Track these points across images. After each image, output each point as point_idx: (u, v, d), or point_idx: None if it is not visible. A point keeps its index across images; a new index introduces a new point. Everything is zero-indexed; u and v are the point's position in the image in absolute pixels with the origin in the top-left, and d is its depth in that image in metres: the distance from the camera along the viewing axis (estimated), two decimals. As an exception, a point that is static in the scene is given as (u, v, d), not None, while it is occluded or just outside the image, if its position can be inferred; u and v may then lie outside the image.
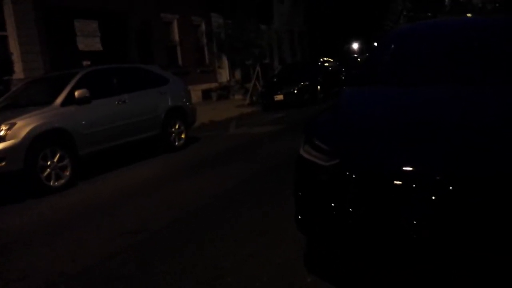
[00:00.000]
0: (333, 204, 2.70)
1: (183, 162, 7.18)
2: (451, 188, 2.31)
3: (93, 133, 6.69)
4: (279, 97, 13.92)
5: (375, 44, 4.35)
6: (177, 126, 8.27)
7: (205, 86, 17.65)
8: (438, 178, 2.35)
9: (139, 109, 7.44)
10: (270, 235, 3.62)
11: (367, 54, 5.39)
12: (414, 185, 2.39)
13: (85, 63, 12.37)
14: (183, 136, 8.41)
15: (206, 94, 17.55)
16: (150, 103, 7.70)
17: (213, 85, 18.30)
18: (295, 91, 13.88)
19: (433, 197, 2.34)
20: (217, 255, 3.40)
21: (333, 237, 2.77)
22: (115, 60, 11.49)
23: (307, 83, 14.04)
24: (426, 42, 4.02)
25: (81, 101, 6.58)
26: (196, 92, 16.77)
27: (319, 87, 14.22)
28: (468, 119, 2.73)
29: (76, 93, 6.54)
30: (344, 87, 3.78)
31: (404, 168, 2.47)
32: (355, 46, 33.96)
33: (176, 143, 8.24)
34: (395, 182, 2.44)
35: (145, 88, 7.73)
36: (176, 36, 17.12)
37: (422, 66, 3.79)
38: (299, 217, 3.01)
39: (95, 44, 13.43)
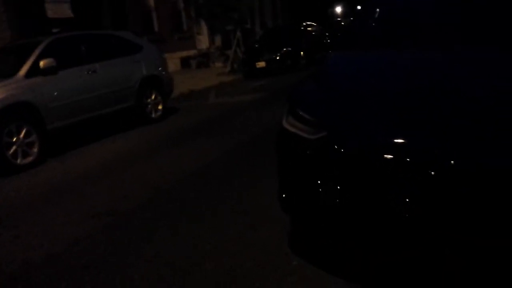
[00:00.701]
0: (319, 182, 2.42)
1: (160, 135, 6.80)
2: (452, 166, 2.02)
3: (61, 106, 6.24)
4: (261, 64, 13.45)
5: (361, 5, 3.97)
6: (153, 97, 7.84)
7: (183, 53, 17.02)
8: (436, 153, 2.05)
9: (111, 79, 6.98)
10: (253, 215, 3.33)
11: (352, 17, 5.00)
12: (408, 160, 2.10)
13: (55, 31, 11.68)
14: (160, 107, 7.99)
15: (185, 62, 16.94)
16: (123, 72, 7.23)
17: (192, 52, 17.66)
18: (277, 58, 13.42)
19: (431, 174, 2.05)
20: (195, 239, 3.10)
21: (319, 217, 2.49)
22: (87, 28, 10.86)
23: (290, 48, 13.56)
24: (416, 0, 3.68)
25: (47, 71, 6.10)
26: (174, 60, 16.18)
27: (302, 52, 13.76)
28: (470, 86, 2.41)
29: (41, 63, 6.05)
30: (330, 52, 3.42)
31: (397, 141, 2.17)
32: (339, 9, 33.25)
33: (153, 115, 7.83)
34: (387, 156, 2.15)
35: (117, 56, 7.24)
36: (152, 1, 16.33)
37: (413, 27, 3.43)
38: (283, 195, 2.72)
39: (65, 11, 12.68)
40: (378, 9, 3.76)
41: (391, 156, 2.17)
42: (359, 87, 2.67)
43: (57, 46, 6.51)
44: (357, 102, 2.53)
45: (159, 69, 8.04)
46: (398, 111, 2.33)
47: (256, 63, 13.51)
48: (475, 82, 2.44)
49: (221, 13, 14.44)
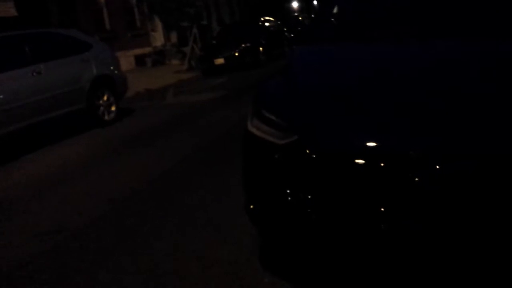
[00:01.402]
0: (290, 191, 2.17)
1: (113, 138, 6.36)
2: (437, 167, 1.81)
3: (3, 111, 5.71)
4: (220, 60, 13.11)
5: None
6: (105, 98, 7.36)
7: (138, 51, 16.42)
8: (418, 156, 1.84)
9: (58, 80, 6.46)
10: (218, 228, 3.03)
11: (308, 12, 4.76)
12: (387, 165, 1.88)
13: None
14: (113, 108, 7.52)
15: (140, 60, 16.35)
16: (71, 72, 6.72)
17: (147, 49, 17.07)
18: (236, 54, 13.11)
19: (412, 180, 1.83)
20: (154, 257, 2.78)
21: (291, 230, 2.25)
22: (34, 27, 10.20)
23: (249, 44, 13.27)
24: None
25: (-15, 74, 5.57)
26: (128, 58, 15.60)
27: (261, 48, 13.51)
28: (447, 80, 2.21)
29: (-22, 65, 5.51)
30: (294, 46, 3.15)
31: (375, 144, 1.95)
32: (295, 4, 33.24)
33: (106, 117, 7.36)
34: (363, 161, 1.92)
35: (64, 56, 6.72)
36: (102, -3, 15.63)
37: (383, 17, 3.22)
38: (251, 206, 2.45)
39: (9, 9, 11.87)
40: (339, 2, 3.54)
41: (369, 161, 1.93)
42: (330, 85, 2.42)
43: (-3, 46, 5.95)
44: (330, 102, 2.28)
45: (111, 68, 7.56)
46: (374, 110, 2.09)
47: (215, 60, 13.16)
48: (449, 75, 2.25)
49: (175, 9, 13.96)
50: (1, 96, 5.74)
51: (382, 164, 1.91)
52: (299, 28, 3.87)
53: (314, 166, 2.07)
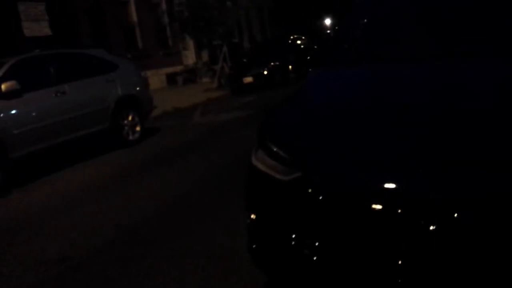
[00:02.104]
0: (293, 233, 1.96)
1: (135, 159, 6.30)
2: (456, 215, 1.56)
3: (26, 131, 5.75)
4: (248, 79, 13.03)
5: (346, 14, 3.51)
6: (130, 118, 7.34)
7: (169, 69, 16.59)
8: (439, 204, 1.60)
9: (82, 101, 6.49)
10: (225, 262, 2.84)
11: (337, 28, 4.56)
12: (402, 210, 1.64)
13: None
14: (138, 128, 7.49)
15: (171, 78, 16.51)
16: (96, 92, 6.75)
17: (179, 68, 17.23)
18: (265, 72, 13.00)
19: (431, 228, 1.59)
20: (154, 295, 2.60)
21: (294, 275, 2.03)
22: (66, 46, 10.42)
23: (278, 63, 13.14)
24: (406, 8, 3.23)
25: (9, 95, 5.62)
26: (160, 77, 15.78)
27: (290, 66, 13.34)
28: (475, 113, 1.95)
29: (3, 87, 5.56)
30: (310, 69, 2.96)
31: (388, 187, 1.71)
32: (328, 22, 33.06)
33: (130, 137, 7.33)
34: (376, 206, 1.69)
35: (88, 76, 6.76)
36: (134, 16, 15.90)
37: (405, 39, 2.98)
38: (253, 246, 2.25)
39: (43, 29, 12.24)
40: (361, 20, 3.32)
41: (382, 207, 1.71)
42: (344, 116, 2.19)
43: (22, 67, 6.01)
44: (340, 135, 2.05)
45: (137, 88, 7.56)
46: (392, 148, 1.85)
47: (244, 79, 13.08)
48: (481, 108, 1.99)
49: (205, 27, 14.03)
50: (26, 116, 5.78)
51: (398, 210, 1.67)
52: (316, 47, 3.67)
53: (319, 207, 1.86)
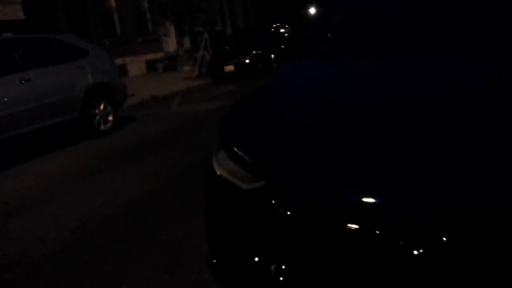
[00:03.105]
0: (254, 249, 1.71)
1: (105, 151, 5.97)
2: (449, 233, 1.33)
3: (-15, 121, 5.38)
4: (229, 67, 12.70)
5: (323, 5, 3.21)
6: (101, 107, 7.00)
7: (149, 56, 16.15)
8: (431, 225, 1.35)
9: (48, 88, 6.11)
10: (184, 272, 2.58)
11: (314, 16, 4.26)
12: (379, 230, 1.39)
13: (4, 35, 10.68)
14: (110, 118, 7.15)
15: (151, 66, 16.08)
16: (64, 80, 6.37)
17: (159, 55, 16.79)
18: (247, 61, 12.68)
19: (419, 256, 1.34)
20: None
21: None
22: (41, 31, 9.95)
23: (260, 51, 12.82)
24: (384, 2, 2.97)
25: (-33, 81, 5.24)
26: (139, 64, 15.34)
27: (273, 55, 13.03)
28: (459, 117, 1.70)
29: (-41, 72, 5.18)
30: (280, 62, 2.69)
31: (368, 201, 1.45)
32: (313, 10, 32.66)
33: (102, 127, 6.99)
34: (352, 225, 1.43)
35: (56, 62, 6.38)
36: (113, 1, 15.34)
37: (384, 30, 2.71)
38: (213, 260, 1.99)
39: (16, 12, 11.70)
40: (338, 12, 3.05)
41: (359, 226, 1.45)
42: (314, 117, 1.93)
43: (-18, 53, 5.62)
44: (310, 138, 1.79)
45: (109, 75, 7.20)
46: (370, 156, 1.59)
47: (225, 67, 12.75)
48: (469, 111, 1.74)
49: (186, 14, 13.60)
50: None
51: (379, 230, 1.42)
52: (288, 39, 3.40)
53: (284, 223, 1.60)
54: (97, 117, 6.92)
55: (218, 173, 1.95)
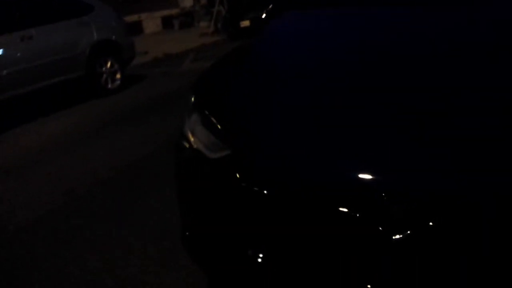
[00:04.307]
0: (225, 226, 1.54)
1: (110, 110, 5.83)
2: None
3: (-14, 80, 5.28)
4: (245, 23, 12.16)
5: None
6: (108, 65, 6.82)
7: (165, 12, 15.74)
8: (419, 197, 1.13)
9: (52, 46, 5.94)
10: (169, 241, 2.44)
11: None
12: (371, 212, 1.17)
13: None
14: (118, 76, 6.97)
15: (167, 22, 15.70)
16: (68, 37, 6.17)
17: (175, 11, 16.36)
18: (263, 16, 12.19)
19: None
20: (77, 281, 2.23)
21: (229, 272, 1.63)
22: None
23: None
24: None
25: (-34, 40, 5.11)
26: (155, 20, 15.01)
27: (291, 10, 12.50)
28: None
29: (-41, 30, 5.04)
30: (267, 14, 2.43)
31: (355, 176, 1.23)
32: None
33: (109, 86, 6.83)
34: (337, 206, 1.21)
35: (60, 19, 6.16)
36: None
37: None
38: (186, 233, 1.84)
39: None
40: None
41: (348, 209, 1.23)
42: (298, 76, 1.69)
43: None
44: (292, 102, 1.55)
45: (116, 32, 6.96)
46: (366, 122, 1.34)
47: (241, 22, 12.28)
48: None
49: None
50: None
51: (352, 208, 1.22)
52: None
53: (247, 198, 1.41)
54: (104, 75, 6.75)
55: (188, 139, 1.76)
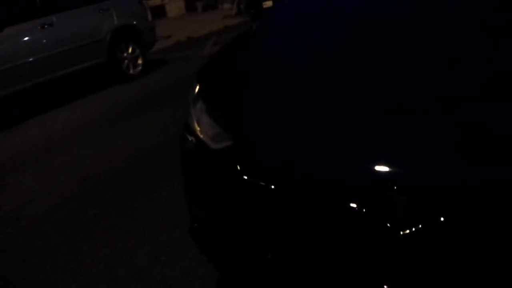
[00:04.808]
0: (231, 219, 1.47)
1: (128, 98, 5.81)
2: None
3: (10, 68, 5.33)
4: (268, 3, 12.00)
5: None
6: (130, 50, 6.80)
7: (188, -5, 15.66)
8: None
9: (72, 33, 5.94)
10: (178, 232, 2.40)
11: None
12: (380, 211, 1.08)
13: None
14: (139, 61, 6.96)
15: (190, 5, 15.61)
16: (88, 23, 6.17)
17: (198, -7, 16.25)
18: (286, -4, 11.95)
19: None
20: (96, 275, 2.22)
21: (234, 265, 1.58)
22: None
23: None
24: None
25: (-12, 29, 5.16)
26: (178, 3, 14.94)
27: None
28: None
29: (-20, 20, 5.09)
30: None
31: (359, 171, 1.13)
32: None
33: (131, 71, 6.83)
34: (349, 203, 1.12)
35: (79, 5, 6.15)
36: None
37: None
38: (195, 224, 1.79)
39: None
40: None
41: (356, 204, 1.13)
42: (303, 72, 1.58)
43: (1, -1, 5.48)
44: (302, 92, 1.45)
45: (136, 17, 6.92)
46: (364, 117, 1.20)
47: (263, 3, 12.09)
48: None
49: None
50: (8, 52, 5.32)
51: (363, 204, 1.13)
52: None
53: (249, 191, 1.34)
54: (126, 61, 6.75)
55: (192, 129, 1.69)
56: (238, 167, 1.35)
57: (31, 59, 5.51)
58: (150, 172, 3.27)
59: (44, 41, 5.66)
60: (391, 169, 1.07)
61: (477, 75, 1.22)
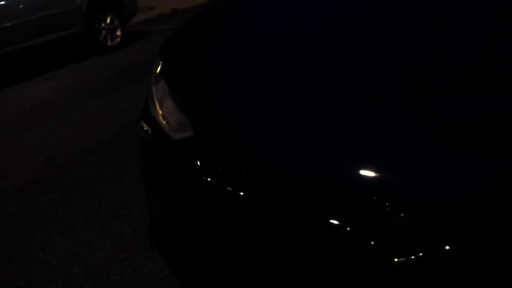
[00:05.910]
0: (188, 214, 1.25)
1: (104, 71, 5.48)
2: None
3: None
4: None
5: None
6: (108, 20, 6.44)
7: (175, -35, 15.06)
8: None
9: (45, 0, 5.57)
10: (141, 221, 2.18)
11: None
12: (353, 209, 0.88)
13: None
14: (118, 33, 6.59)
15: (176, -25, 15.04)
16: (62, -10, 5.79)
17: (185, -37, 15.65)
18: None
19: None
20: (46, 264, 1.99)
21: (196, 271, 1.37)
22: None
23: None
24: None
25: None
26: (163, -27, 14.32)
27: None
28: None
29: None
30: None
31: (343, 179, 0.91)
32: None
33: (109, 43, 6.47)
34: (321, 214, 0.90)
35: (53, -30, 5.76)
36: None
37: None
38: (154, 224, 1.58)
39: None
40: None
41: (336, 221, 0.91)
42: (275, 43, 1.32)
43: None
44: (265, 76, 1.21)
45: (115, -14, 6.53)
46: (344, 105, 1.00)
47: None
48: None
49: None
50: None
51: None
52: None
53: (210, 193, 1.12)
54: (104, 31, 6.39)
55: (153, 114, 1.45)
56: (198, 163, 1.12)
57: (3, 26, 5.14)
58: (122, 153, 3.03)
59: (13, 7, 5.28)
60: (378, 175, 0.85)
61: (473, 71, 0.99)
